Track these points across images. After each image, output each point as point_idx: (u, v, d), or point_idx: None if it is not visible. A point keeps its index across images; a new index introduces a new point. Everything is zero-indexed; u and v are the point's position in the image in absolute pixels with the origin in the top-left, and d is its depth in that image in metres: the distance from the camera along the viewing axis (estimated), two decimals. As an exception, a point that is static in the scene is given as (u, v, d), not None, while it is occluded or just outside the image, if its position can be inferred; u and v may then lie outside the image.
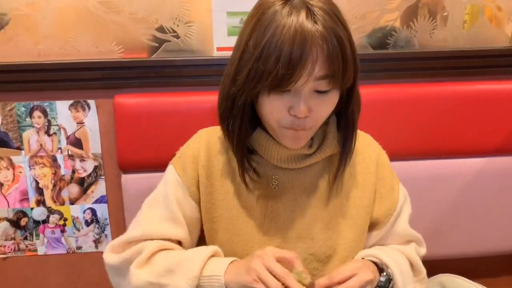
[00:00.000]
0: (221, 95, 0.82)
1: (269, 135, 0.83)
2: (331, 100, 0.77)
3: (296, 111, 0.73)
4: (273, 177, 0.86)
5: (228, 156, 0.88)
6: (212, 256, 0.78)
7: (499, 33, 1.33)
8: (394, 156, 0.96)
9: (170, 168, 0.90)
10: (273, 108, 0.75)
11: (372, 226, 0.93)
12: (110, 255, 0.85)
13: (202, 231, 0.91)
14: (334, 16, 0.71)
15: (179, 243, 0.87)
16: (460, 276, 1.17)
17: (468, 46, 1.32)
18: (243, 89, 0.75)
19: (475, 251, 1.38)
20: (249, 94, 0.75)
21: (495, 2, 1.31)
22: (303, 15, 0.69)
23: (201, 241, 0.94)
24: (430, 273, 1.11)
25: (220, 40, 1.22)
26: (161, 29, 1.22)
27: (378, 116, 1.24)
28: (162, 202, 0.87)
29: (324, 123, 0.83)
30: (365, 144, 0.94)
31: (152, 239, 0.83)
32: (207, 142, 0.89)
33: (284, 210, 0.86)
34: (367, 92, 1.20)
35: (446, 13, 1.31)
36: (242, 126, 0.79)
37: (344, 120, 0.83)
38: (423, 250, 0.99)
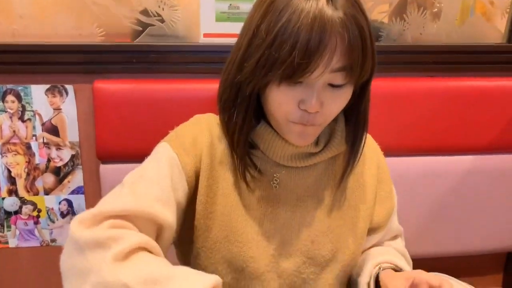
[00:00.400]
0: (223, 83, 0.76)
1: (274, 130, 0.77)
2: (345, 95, 0.71)
3: (307, 106, 0.68)
4: (274, 175, 0.80)
5: (229, 149, 0.80)
6: None
7: (492, 29, 1.31)
8: (385, 152, 0.94)
9: (164, 145, 0.78)
10: (282, 100, 0.69)
11: (373, 230, 0.89)
12: (80, 229, 0.63)
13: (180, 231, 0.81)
14: (355, 3, 0.66)
15: (160, 231, 0.72)
16: (447, 275, 1.15)
17: (461, 42, 1.30)
18: (251, 77, 0.69)
19: (465, 250, 1.37)
20: (258, 83, 0.69)
21: (488, -3, 1.29)
22: (323, 0, 0.63)
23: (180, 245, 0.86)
24: (417, 271, 1.09)
25: (207, 26, 1.17)
26: (145, 13, 1.16)
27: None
28: (152, 179, 0.73)
29: (332, 119, 0.78)
30: (367, 145, 0.88)
31: (134, 216, 0.66)
32: (209, 130, 0.81)
33: (285, 211, 0.81)
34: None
35: (436, 9, 1.29)
36: (246, 118, 0.74)
37: (355, 118, 0.79)
38: (404, 242, 0.99)
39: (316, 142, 0.79)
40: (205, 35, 1.18)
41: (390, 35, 1.27)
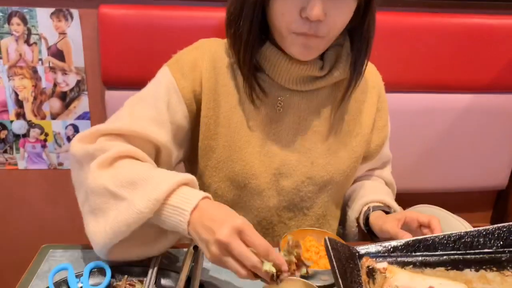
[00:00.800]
0: (231, 2, 0.77)
1: (280, 50, 0.78)
2: (348, 6, 0.72)
3: (308, 12, 0.68)
4: (279, 98, 0.82)
5: (233, 71, 0.82)
6: (185, 184, 0.64)
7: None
8: (386, 87, 0.95)
9: (164, 70, 0.82)
10: (284, 9, 0.71)
11: (366, 157, 0.93)
12: (77, 145, 0.70)
13: (189, 151, 0.87)
14: None
15: (158, 151, 0.78)
16: (437, 207, 1.20)
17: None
18: None
19: (457, 186, 1.42)
20: None
21: None
22: None
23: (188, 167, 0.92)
24: (410, 205, 1.14)
25: (213, -49, 1.15)
26: None
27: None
28: (149, 101, 0.78)
29: (338, 44, 0.80)
30: (371, 73, 0.92)
31: (130, 135, 0.73)
32: (211, 53, 0.83)
33: (287, 133, 0.84)
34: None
35: None
36: (252, 30, 0.75)
37: (358, 38, 0.79)
38: (391, 169, 1.05)
39: (322, 66, 0.80)
40: (212, -38, 1.16)
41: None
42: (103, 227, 0.64)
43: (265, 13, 0.75)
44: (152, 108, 0.77)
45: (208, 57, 0.82)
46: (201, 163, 0.86)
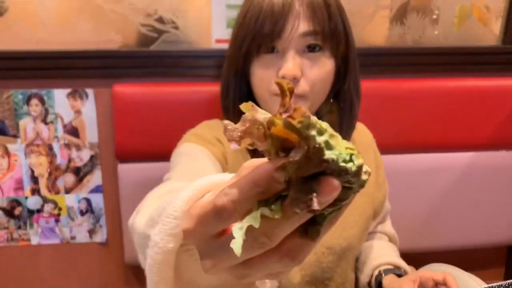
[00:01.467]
0: (221, 78, 0.85)
1: None
2: (324, 64, 0.75)
3: (283, 71, 0.72)
4: None
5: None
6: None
7: (487, 32, 1.38)
8: (386, 149, 0.99)
9: (187, 145, 0.82)
10: (263, 73, 0.75)
11: (374, 213, 0.95)
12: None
13: None
14: None
15: None
16: (449, 265, 1.20)
17: (459, 44, 1.37)
18: (233, 53, 0.78)
19: (464, 244, 1.42)
20: (239, 57, 0.77)
21: (483, 2, 1.36)
22: None
23: None
24: (421, 265, 1.15)
25: (219, 32, 1.24)
26: (160, 20, 1.23)
27: (370, 110, 1.26)
28: (186, 162, 0.74)
29: (330, 112, 0.84)
30: (362, 132, 0.96)
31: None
32: (220, 132, 0.84)
33: None
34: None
35: (435, 16, 1.36)
36: (238, 100, 0.79)
37: (342, 99, 0.82)
38: (390, 221, 1.06)
39: None
40: (217, 41, 1.25)
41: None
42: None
43: (250, 84, 0.80)
44: (198, 163, 0.74)
45: (221, 134, 0.82)
46: None
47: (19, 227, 1.32)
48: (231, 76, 0.81)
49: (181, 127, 0.96)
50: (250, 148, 0.27)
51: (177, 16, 1.23)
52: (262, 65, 0.75)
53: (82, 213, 1.33)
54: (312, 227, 0.27)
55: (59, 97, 1.23)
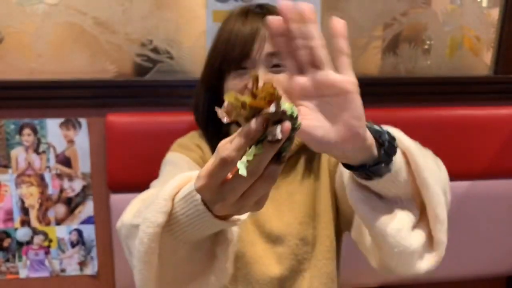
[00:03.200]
0: (194, 95, 0.97)
1: None
2: None
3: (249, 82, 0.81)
4: None
5: None
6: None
7: (479, 62, 1.40)
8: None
9: (170, 154, 0.94)
10: (233, 86, 0.84)
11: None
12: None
13: None
14: None
15: None
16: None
17: (451, 74, 1.39)
18: (206, 72, 0.91)
19: (462, 275, 1.40)
20: (212, 75, 0.88)
21: (474, 32, 1.38)
22: (253, 7, 0.87)
23: None
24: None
25: (213, 62, 1.25)
26: (155, 50, 1.24)
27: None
28: (170, 170, 0.86)
29: None
30: None
31: None
32: (201, 140, 0.96)
33: (271, 201, 0.88)
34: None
35: (426, 46, 1.38)
36: (204, 111, 0.93)
37: None
38: None
39: None
40: (211, 71, 1.26)
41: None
42: (133, 264, 0.60)
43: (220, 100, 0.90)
44: (176, 171, 0.75)
45: (204, 141, 0.96)
46: None
47: (7, 260, 1.28)
48: (202, 92, 0.93)
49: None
50: (231, 120, 0.41)
51: (171, 46, 1.24)
52: (233, 80, 0.85)
53: (73, 245, 1.30)
54: (279, 155, 0.44)
55: (52, 126, 1.22)
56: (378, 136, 0.57)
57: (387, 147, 0.57)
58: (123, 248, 0.66)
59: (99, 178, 1.27)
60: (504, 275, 1.47)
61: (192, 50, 1.25)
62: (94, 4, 1.18)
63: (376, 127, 0.60)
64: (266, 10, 0.87)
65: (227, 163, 0.43)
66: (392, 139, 0.59)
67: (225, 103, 0.41)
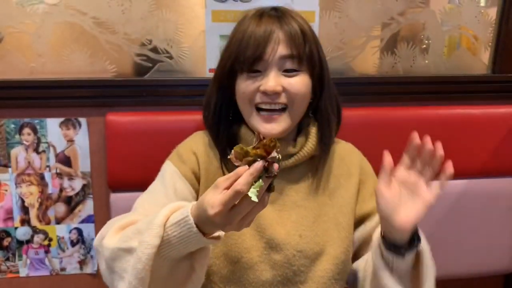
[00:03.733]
0: (205, 96, 0.95)
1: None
2: (302, 81, 0.86)
3: (264, 86, 0.83)
4: None
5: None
6: (178, 209, 0.71)
7: (477, 61, 1.41)
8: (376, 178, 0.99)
9: (166, 163, 0.95)
10: (245, 88, 0.85)
11: (363, 219, 0.96)
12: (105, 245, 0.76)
13: None
14: (301, 19, 0.88)
15: None
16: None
17: (449, 73, 1.39)
18: (219, 71, 0.90)
19: (460, 273, 1.41)
20: (223, 75, 0.88)
21: (471, 32, 1.39)
22: (268, 9, 0.88)
23: None
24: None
25: (212, 61, 1.26)
26: (154, 50, 1.24)
27: (362, 138, 1.27)
28: (159, 191, 0.89)
29: (307, 125, 0.93)
30: (348, 151, 1.01)
31: None
32: (204, 142, 0.96)
33: (273, 208, 0.91)
34: (353, 114, 1.25)
35: (424, 45, 1.38)
36: (216, 113, 0.91)
37: (320, 116, 0.92)
38: None
39: (295, 142, 0.92)
40: (211, 71, 1.26)
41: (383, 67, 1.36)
42: (127, 281, 0.70)
43: (231, 99, 0.91)
44: (162, 196, 0.88)
45: (203, 144, 0.95)
46: None
47: (8, 259, 1.29)
48: (214, 91, 0.92)
49: (174, 156, 0.96)
50: (239, 164, 0.62)
51: (171, 46, 1.24)
52: (245, 81, 0.85)
53: (73, 244, 1.31)
54: (271, 186, 0.63)
55: (52, 126, 1.22)
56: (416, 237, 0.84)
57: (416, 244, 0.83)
58: (100, 265, 0.78)
59: (99, 177, 1.27)
60: (502, 273, 1.48)
61: (191, 50, 1.26)
62: (94, 4, 1.19)
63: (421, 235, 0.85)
64: (280, 13, 0.87)
65: (239, 194, 0.60)
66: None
67: (232, 151, 0.61)
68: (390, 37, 1.34)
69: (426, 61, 1.39)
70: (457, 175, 1.34)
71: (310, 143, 0.92)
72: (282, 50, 0.83)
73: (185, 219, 0.66)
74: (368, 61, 1.36)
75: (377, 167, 0.98)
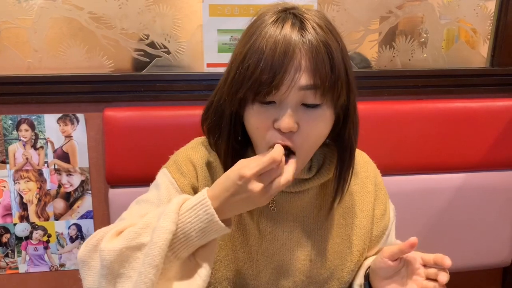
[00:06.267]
0: (208, 108, 0.81)
1: None
2: (322, 117, 0.72)
3: (280, 123, 0.69)
4: (272, 199, 0.82)
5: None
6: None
7: (475, 54, 1.40)
8: (380, 170, 0.99)
9: (163, 172, 0.85)
10: (258, 122, 0.72)
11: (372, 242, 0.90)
12: (86, 252, 0.70)
13: None
14: (325, 27, 0.70)
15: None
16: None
17: (448, 66, 1.39)
18: (227, 96, 0.73)
19: (458, 266, 1.41)
20: (234, 102, 0.72)
21: (470, 25, 1.38)
22: (289, 22, 0.69)
23: None
24: None
25: (210, 56, 1.25)
26: (152, 45, 1.24)
27: (360, 132, 1.27)
28: (153, 202, 0.80)
29: (325, 145, 0.82)
30: (363, 164, 0.92)
31: None
32: (205, 155, 0.85)
33: (282, 232, 0.84)
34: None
35: (423, 39, 1.38)
36: (230, 141, 0.78)
37: (341, 145, 0.79)
38: None
39: (309, 168, 0.82)
40: (209, 65, 1.26)
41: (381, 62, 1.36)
42: (138, 272, 0.63)
43: (244, 126, 0.77)
44: (156, 208, 0.78)
45: (203, 158, 0.84)
46: None
47: (7, 255, 1.29)
48: (226, 118, 0.77)
49: (172, 151, 0.95)
50: None
51: (168, 41, 1.24)
52: (258, 114, 0.71)
53: (72, 240, 1.31)
54: None
55: (50, 122, 1.22)
56: None
57: None
58: (91, 278, 0.69)
59: (97, 173, 1.27)
60: (500, 266, 1.48)
61: (189, 45, 1.25)
62: (91, -1, 1.18)
63: None
64: (299, 21, 0.70)
65: (275, 162, 0.63)
66: None
67: None
68: (389, 30, 1.34)
69: (425, 55, 1.38)
70: (456, 169, 1.36)
71: (326, 168, 0.82)
72: (303, 79, 0.67)
73: (202, 202, 0.64)
74: (366, 55, 1.36)
75: (376, 161, 0.98)
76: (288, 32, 0.68)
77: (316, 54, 0.67)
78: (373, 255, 0.94)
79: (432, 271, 0.77)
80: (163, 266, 0.63)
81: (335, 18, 1.29)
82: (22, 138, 1.22)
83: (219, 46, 1.25)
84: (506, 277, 1.54)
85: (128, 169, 1.21)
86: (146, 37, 1.23)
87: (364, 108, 1.30)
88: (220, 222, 0.64)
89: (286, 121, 0.68)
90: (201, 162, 0.84)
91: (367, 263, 0.88)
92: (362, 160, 0.92)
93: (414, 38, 1.36)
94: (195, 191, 0.83)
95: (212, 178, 0.83)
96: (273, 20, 0.70)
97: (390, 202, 0.97)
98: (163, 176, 0.84)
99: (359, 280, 0.87)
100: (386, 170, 1.27)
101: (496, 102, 1.35)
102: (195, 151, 0.86)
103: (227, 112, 0.75)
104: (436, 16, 1.35)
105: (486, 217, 1.38)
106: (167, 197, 0.80)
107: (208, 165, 0.84)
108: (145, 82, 1.23)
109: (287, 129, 0.68)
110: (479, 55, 1.41)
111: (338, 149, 0.80)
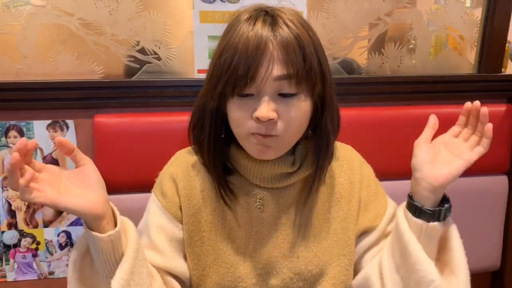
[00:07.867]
0: (193, 110, 0.85)
1: (247, 153, 0.81)
2: (299, 106, 0.75)
3: (257, 113, 0.72)
4: (258, 196, 0.84)
5: (209, 175, 0.86)
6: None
7: (463, 61, 1.42)
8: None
9: (152, 195, 0.90)
10: (238, 114, 0.75)
11: (365, 232, 0.90)
12: None
13: None
14: (296, 21, 0.75)
15: (163, 273, 0.84)
16: None
17: (436, 73, 1.41)
18: (208, 92, 0.78)
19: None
20: (214, 97, 0.76)
21: (457, 32, 1.40)
22: (261, 19, 0.74)
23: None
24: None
25: (201, 62, 1.25)
26: (142, 51, 1.24)
27: (350, 137, 1.28)
28: (143, 231, 0.87)
29: (307, 138, 0.85)
30: (348, 158, 0.93)
31: None
32: (185, 164, 0.89)
33: (269, 231, 0.85)
34: (341, 114, 1.26)
35: (411, 45, 1.40)
36: (212, 136, 0.81)
37: (319, 134, 0.82)
38: None
39: (293, 162, 0.84)
40: (199, 71, 1.26)
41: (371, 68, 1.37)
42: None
43: (226, 120, 0.80)
44: (145, 236, 0.86)
45: (183, 167, 0.88)
46: (190, 271, 0.86)
47: (-5, 263, 1.27)
48: (207, 113, 0.80)
49: (163, 158, 0.96)
50: None
51: (159, 47, 1.24)
52: (237, 106, 0.75)
53: (62, 247, 1.29)
54: None
55: (39, 128, 1.21)
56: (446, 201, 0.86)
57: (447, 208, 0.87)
58: None
59: (87, 180, 1.26)
60: (489, 271, 1.49)
61: (179, 51, 1.25)
62: (81, 5, 1.18)
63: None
64: (273, 19, 0.74)
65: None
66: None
67: None
68: (378, 37, 1.35)
69: (413, 61, 1.40)
70: (444, 174, 1.37)
71: (309, 161, 0.84)
72: (277, 70, 0.71)
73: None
74: (356, 61, 1.37)
75: (371, 165, 0.99)
76: (260, 28, 0.72)
77: (287, 46, 0.71)
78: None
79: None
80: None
81: (325, 25, 1.30)
82: (11, 145, 1.21)
83: (209, 52, 1.25)
84: (496, 281, 1.55)
85: (119, 175, 1.21)
86: (136, 44, 1.23)
87: (354, 114, 1.31)
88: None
89: (263, 110, 0.72)
90: (181, 173, 0.87)
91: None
92: (347, 153, 0.95)
93: (403, 45, 1.38)
94: (179, 206, 0.86)
95: (194, 186, 0.86)
96: (246, 18, 0.75)
97: (390, 199, 0.96)
98: (151, 200, 0.89)
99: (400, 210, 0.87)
100: (375, 175, 1.28)
101: (483, 107, 1.36)
102: (175, 165, 0.89)
103: (208, 107, 0.79)
104: (424, 23, 1.37)
105: (476, 221, 1.39)
106: (154, 222, 0.86)
107: (189, 174, 0.87)
108: (135, 88, 1.22)
109: (265, 118, 0.72)
110: (466, 61, 1.43)
111: (316, 137, 0.83)
